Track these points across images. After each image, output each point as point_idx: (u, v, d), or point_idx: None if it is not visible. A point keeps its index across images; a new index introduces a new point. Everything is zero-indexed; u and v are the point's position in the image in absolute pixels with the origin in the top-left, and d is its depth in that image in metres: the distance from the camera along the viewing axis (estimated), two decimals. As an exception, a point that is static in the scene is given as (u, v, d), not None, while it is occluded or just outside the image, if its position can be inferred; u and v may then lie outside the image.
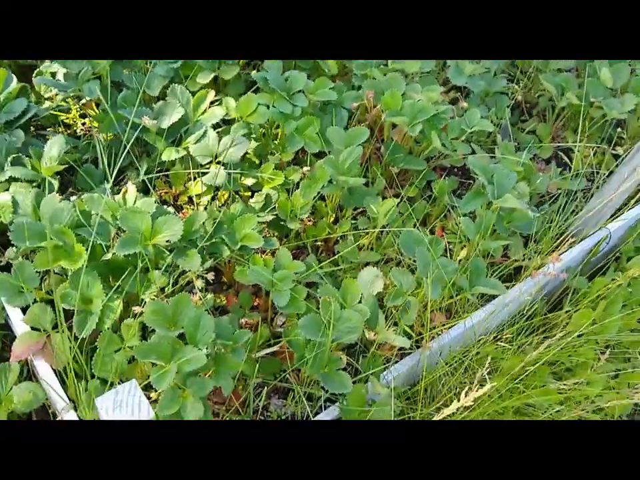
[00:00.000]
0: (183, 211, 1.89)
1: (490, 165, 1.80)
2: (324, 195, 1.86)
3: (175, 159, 1.79)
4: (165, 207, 1.72)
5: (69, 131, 2.07)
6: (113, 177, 1.76)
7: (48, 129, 2.05)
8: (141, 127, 1.71)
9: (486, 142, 2.29)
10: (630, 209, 2.09)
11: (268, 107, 1.84)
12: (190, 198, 1.89)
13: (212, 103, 1.91)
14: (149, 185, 1.69)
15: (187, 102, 1.84)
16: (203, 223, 1.62)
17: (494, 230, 1.74)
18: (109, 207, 1.53)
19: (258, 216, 1.72)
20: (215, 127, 1.87)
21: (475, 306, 1.78)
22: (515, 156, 2.00)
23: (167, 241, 1.51)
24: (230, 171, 1.71)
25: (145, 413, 1.00)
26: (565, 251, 1.91)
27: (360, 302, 1.54)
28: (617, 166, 2.32)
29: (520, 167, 1.94)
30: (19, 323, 1.53)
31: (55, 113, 1.99)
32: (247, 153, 1.87)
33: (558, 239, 1.98)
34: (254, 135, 1.86)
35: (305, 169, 1.75)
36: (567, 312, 1.89)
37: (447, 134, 1.93)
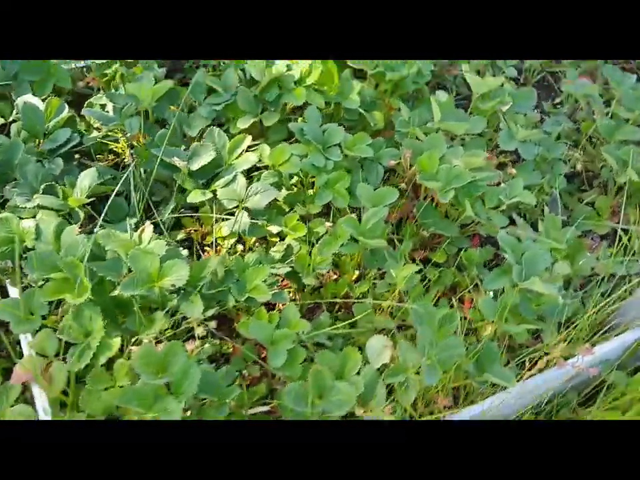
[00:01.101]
0: (207, 252, 1.90)
1: (525, 242, 1.69)
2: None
3: (204, 200, 1.80)
4: (182, 247, 1.73)
5: (117, 159, 2.15)
6: (140, 212, 1.80)
7: (98, 156, 2.14)
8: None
9: (535, 211, 2.16)
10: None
11: (303, 158, 1.83)
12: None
13: (250, 147, 1.92)
14: (162, 226, 1.71)
15: (223, 145, 1.86)
16: (215, 269, 1.62)
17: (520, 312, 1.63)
18: (123, 244, 1.55)
19: (274, 267, 1.70)
20: (250, 172, 1.88)
21: (492, 391, 1.66)
22: (559, 231, 1.87)
23: (173, 285, 1.51)
24: (248, 220, 1.70)
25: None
26: (600, 342, 1.76)
27: (359, 373, 1.47)
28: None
29: (562, 245, 1.81)
30: (26, 345, 1.58)
31: (105, 142, 2.06)
32: (277, 200, 1.87)
33: (598, 326, 1.83)
34: (284, 184, 1.85)
35: (328, 224, 1.71)
36: (598, 408, 1.73)
37: (485, 202, 1.84)
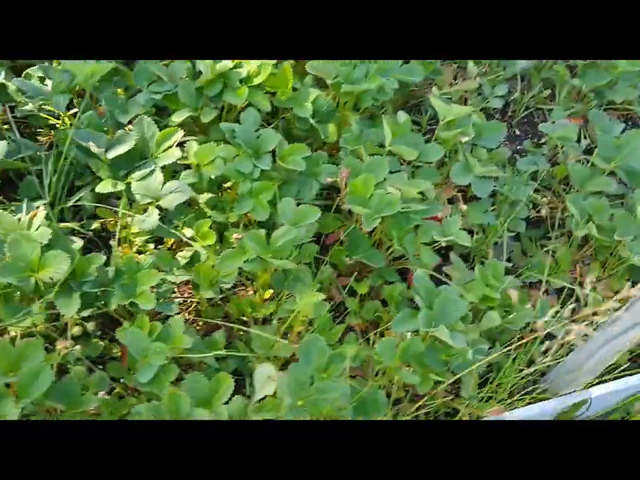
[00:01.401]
0: (121, 248, 1.79)
1: (443, 286, 1.55)
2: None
3: (122, 191, 1.69)
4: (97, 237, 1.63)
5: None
6: (51, 196, 1.71)
7: (39, 130, 2.05)
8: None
9: (486, 252, 2.01)
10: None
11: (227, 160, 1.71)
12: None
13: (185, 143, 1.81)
14: (50, 212, 1.60)
15: (151, 136, 1.74)
16: (106, 266, 1.51)
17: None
18: (8, 227, 1.45)
19: (173, 273, 1.58)
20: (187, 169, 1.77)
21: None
22: (498, 279, 1.72)
23: (50, 278, 1.41)
24: (156, 219, 1.59)
25: None
26: (520, 406, 1.61)
27: (227, 402, 1.35)
28: None
29: (495, 294, 1.67)
30: None
31: (44, 116, 1.97)
32: (199, 203, 1.75)
33: (520, 387, 1.68)
34: (205, 186, 1.73)
35: (235, 235, 1.58)
36: None
37: (418, 237, 1.70)
